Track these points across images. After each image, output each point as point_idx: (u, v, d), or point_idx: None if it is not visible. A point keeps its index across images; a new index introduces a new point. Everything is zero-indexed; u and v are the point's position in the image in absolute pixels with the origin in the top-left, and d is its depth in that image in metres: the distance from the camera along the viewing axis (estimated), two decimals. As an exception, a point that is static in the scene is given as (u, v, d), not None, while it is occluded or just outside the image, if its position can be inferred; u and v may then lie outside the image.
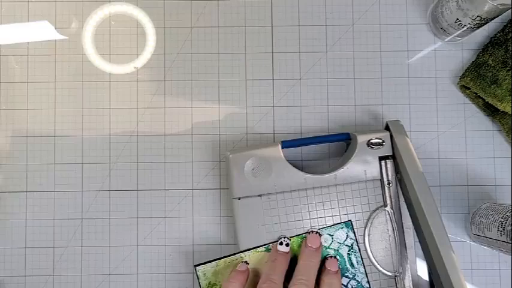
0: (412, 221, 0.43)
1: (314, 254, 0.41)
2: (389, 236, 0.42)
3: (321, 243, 0.42)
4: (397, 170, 0.43)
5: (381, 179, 0.43)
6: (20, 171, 0.48)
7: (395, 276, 0.42)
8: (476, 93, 0.47)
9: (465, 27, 0.44)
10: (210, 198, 0.48)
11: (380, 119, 0.48)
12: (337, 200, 0.43)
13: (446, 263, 0.37)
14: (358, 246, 0.42)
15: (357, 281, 0.42)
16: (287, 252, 0.41)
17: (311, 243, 0.41)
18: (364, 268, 0.42)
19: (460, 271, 0.37)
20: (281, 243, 0.41)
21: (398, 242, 0.42)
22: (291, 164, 0.43)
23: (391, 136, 0.43)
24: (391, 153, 0.43)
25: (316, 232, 0.42)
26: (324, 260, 0.41)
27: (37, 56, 0.49)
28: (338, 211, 0.43)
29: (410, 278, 0.42)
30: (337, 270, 0.41)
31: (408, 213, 0.43)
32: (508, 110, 0.45)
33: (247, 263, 0.42)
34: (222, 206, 0.48)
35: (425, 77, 0.49)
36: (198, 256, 0.47)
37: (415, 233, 0.43)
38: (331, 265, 0.41)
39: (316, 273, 0.40)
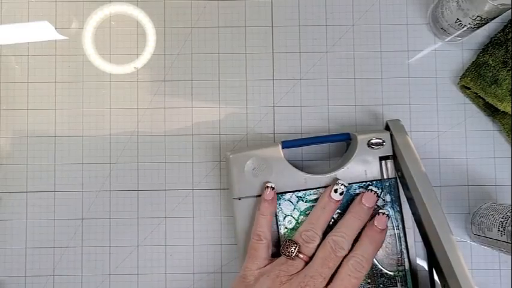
0: (415, 219, 0.42)
1: (365, 212, 0.40)
2: (390, 235, 0.42)
3: (375, 203, 0.41)
4: (397, 169, 0.43)
5: (382, 179, 0.43)
6: (20, 171, 0.48)
7: (396, 276, 0.42)
8: (476, 93, 0.47)
9: (465, 27, 0.44)
10: (210, 198, 0.48)
11: (380, 119, 0.48)
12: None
13: (451, 258, 0.37)
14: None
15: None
16: (339, 201, 0.40)
17: (366, 201, 0.40)
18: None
19: (466, 268, 0.37)
20: (336, 191, 0.40)
21: (398, 242, 0.42)
22: (291, 164, 0.43)
23: (391, 136, 0.43)
24: (391, 153, 0.43)
25: (375, 192, 0.41)
26: (373, 215, 0.40)
27: (37, 56, 0.49)
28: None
29: (411, 278, 0.42)
30: (384, 229, 0.40)
31: (408, 212, 0.43)
32: (508, 110, 0.45)
33: (273, 188, 0.41)
34: (222, 206, 0.48)
35: (425, 77, 0.49)
36: (198, 256, 0.47)
37: (415, 233, 0.43)
38: (379, 222, 0.40)
39: (359, 230, 0.40)
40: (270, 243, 0.41)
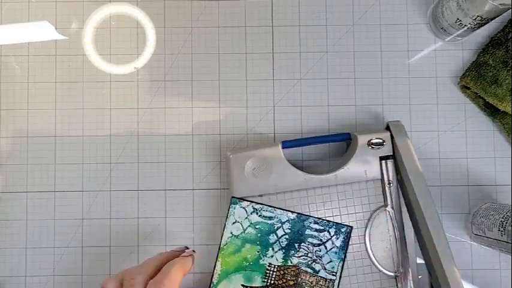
0: (411, 221, 0.43)
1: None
2: (390, 235, 0.42)
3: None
4: (397, 170, 0.43)
5: (382, 179, 0.43)
6: (20, 171, 0.48)
7: (396, 276, 0.42)
8: (476, 93, 0.47)
9: (465, 27, 0.44)
10: (210, 198, 0.48)
11: (380, 119, 0.48)
12: (338, 200, 0.43)
13: (443, 262, 0.37)
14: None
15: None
16: None
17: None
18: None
19: (457, 270, 0.37)
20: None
21: (399, 242, 0.42)
22: (291, 164, 0.43)
23: (392, 136, 0.43)
24: (391, 153, 0.43)
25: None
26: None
27: (37, 56, 0.49)
28: (339, 211, 0.43)
29: (411, 278, 0.42)
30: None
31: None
32: (508, 109, 0.45)
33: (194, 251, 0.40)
34: (222, 206, 0.48)
35: (425, 77, 0.49)
36: (198, 256, 0.47)
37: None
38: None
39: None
40: None
